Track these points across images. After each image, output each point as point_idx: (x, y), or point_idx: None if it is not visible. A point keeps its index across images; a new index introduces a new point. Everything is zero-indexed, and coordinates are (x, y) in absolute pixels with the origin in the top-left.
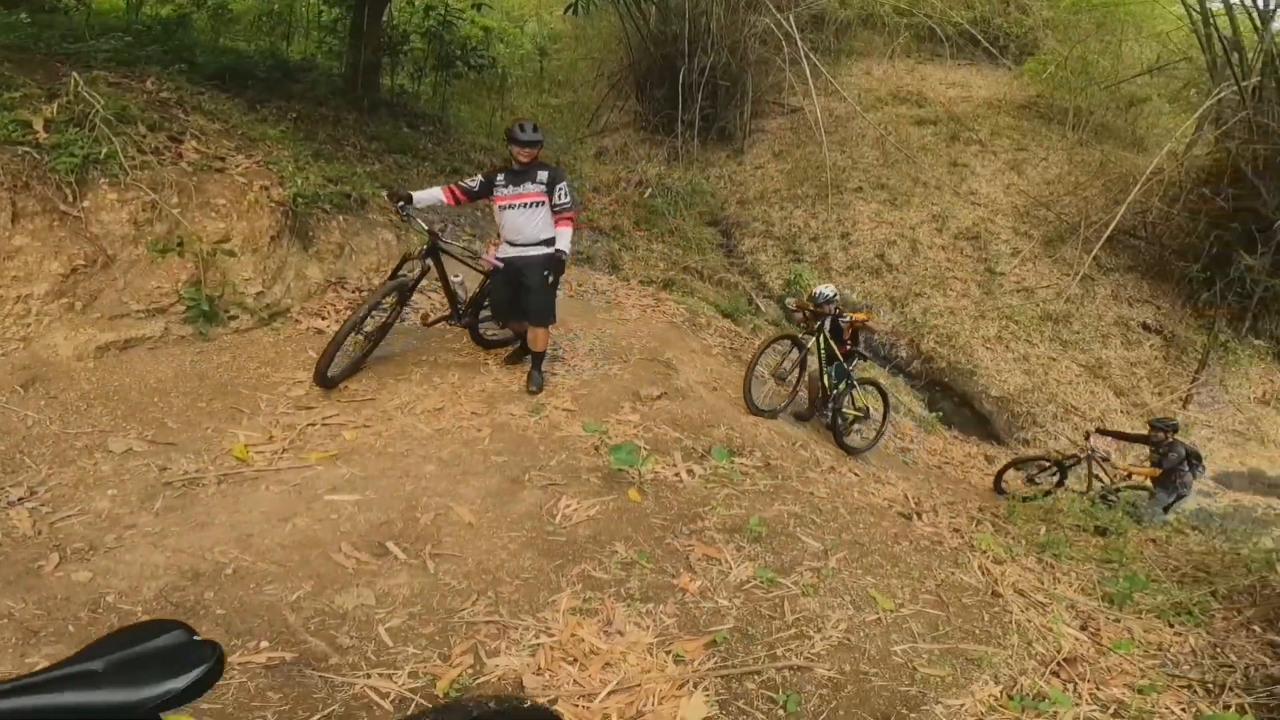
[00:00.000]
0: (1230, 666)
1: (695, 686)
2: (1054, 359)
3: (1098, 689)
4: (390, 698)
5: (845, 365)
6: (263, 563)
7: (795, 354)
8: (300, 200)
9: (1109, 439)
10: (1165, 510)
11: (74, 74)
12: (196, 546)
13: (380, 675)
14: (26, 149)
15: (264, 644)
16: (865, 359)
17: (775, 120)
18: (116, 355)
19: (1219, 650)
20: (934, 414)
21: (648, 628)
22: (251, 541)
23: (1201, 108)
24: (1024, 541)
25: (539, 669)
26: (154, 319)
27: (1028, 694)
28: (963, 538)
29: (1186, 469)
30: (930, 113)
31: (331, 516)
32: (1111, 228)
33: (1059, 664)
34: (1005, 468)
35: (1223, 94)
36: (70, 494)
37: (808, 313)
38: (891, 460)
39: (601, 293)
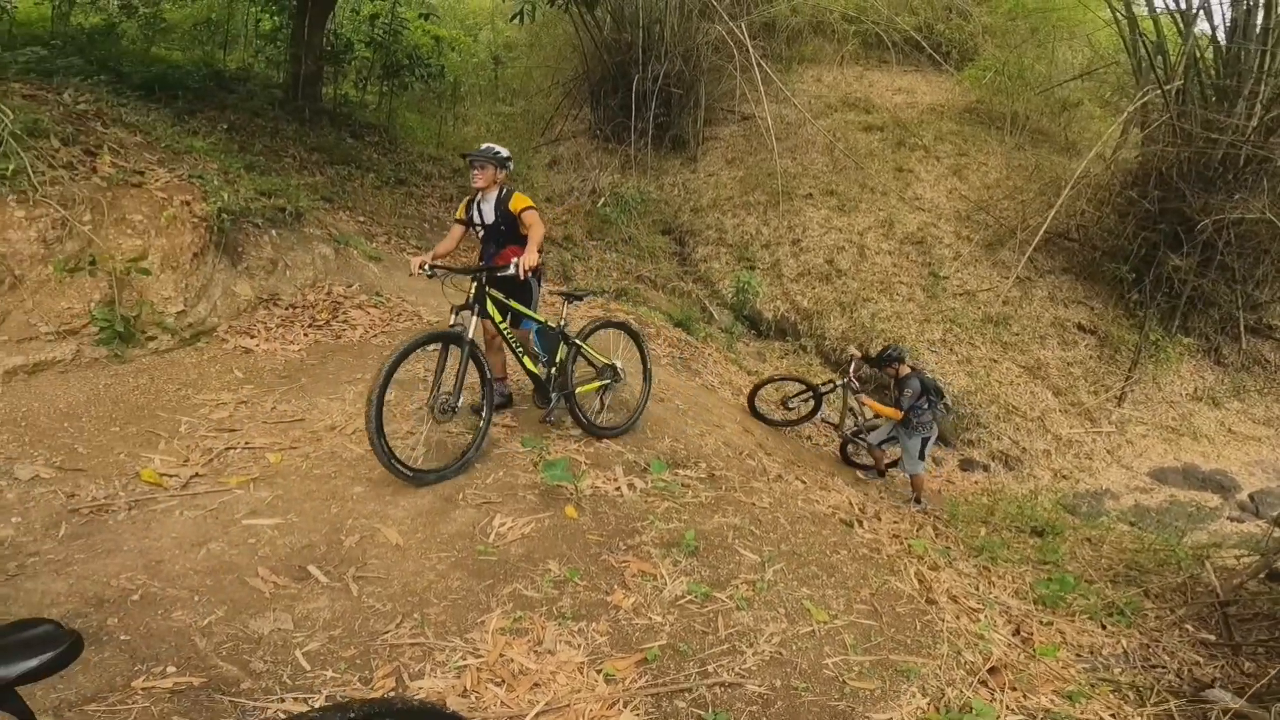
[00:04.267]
0: (1162, 667)
1: (625, 706)
2: (995, 360)
3: (1025, 697)
4: None
5: (546, 322)
6: (172, 589)
7: (454, 354)
8: (226, 215)
9: (865, 366)
10: (921, 456)
11: None
12: (102, 573)
13: (295, 699)
14: None
15: (170, 669)
16: (580, 298)
17: (728, 128)
18: (25, 380)
19: (1151, 651)
20: None
21: (579, 646)
22: (161, 568)
23: (1126, 111)
24: (962, 545)
25: (465, 691)
26: (64, 341)
27: (954, 706)
28: (902, 543)
29: (926, 406)
30: (877, 119)
31: (249, 541)
32: (1043, 230)
33: (987, 672)
34: (757, 388)
35: (1147, 97)
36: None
37: (448, 270)
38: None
39: (550, 305)
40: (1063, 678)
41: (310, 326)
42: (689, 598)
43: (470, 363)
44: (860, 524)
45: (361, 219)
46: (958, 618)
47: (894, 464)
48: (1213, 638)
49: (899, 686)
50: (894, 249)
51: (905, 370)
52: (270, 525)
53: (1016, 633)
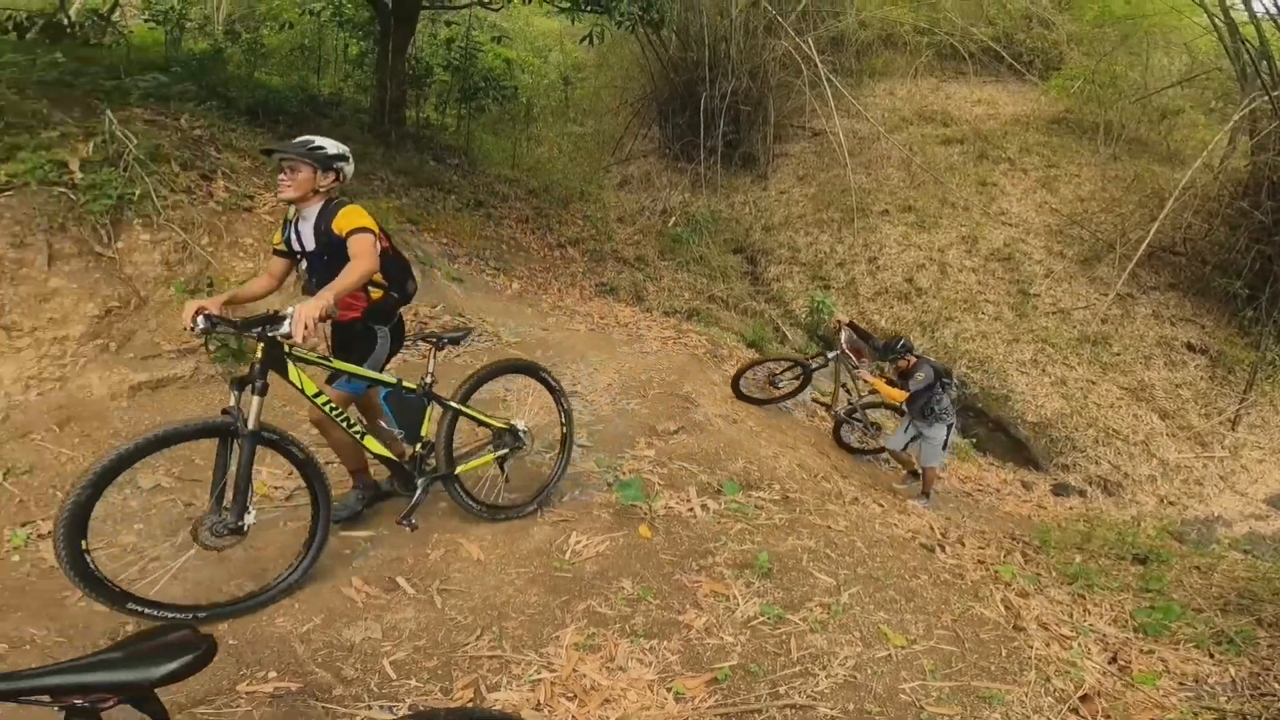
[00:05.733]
0: (1272, 695)
1: None
2: (1093, 382)
3: None
4: None
5: (400, 383)
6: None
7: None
8: None
9: (858, 340)
10: (944, 447)
11: (108, 112)
12: (213, 579)
13: (381, 708)
14: (63, 190)
15: (272, 674)
16: (457, 340)
17: (798, 144)
18: (149, 394)
19: (1261, 679)
20: (967, 440)
21: (650, 664)
22: (266, 575)
23: (1233, 119)
24: (1054, 572)
25: (538, 704)
26: (185, 359)
27: None
28: (987, 569)
29: (940, 391)
30: (956, 131)
31: (344, 551)
32: (1146, 244)
33: (1079, 700)
34: (743, 370)
35: (1254, 104)
36: (98, 528)
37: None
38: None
39: (624, 325)
40: (1162, 705)
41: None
42: (761, 619)
43: (283, 459)
44: (942, 549)
45: (444, 240)
46: (1048, 645)
47: (879, 450)
48: None
49: (981, 713)
50: (978, 266)
51: (913, 361)
52: (363, 537)
53: (1113, 661)
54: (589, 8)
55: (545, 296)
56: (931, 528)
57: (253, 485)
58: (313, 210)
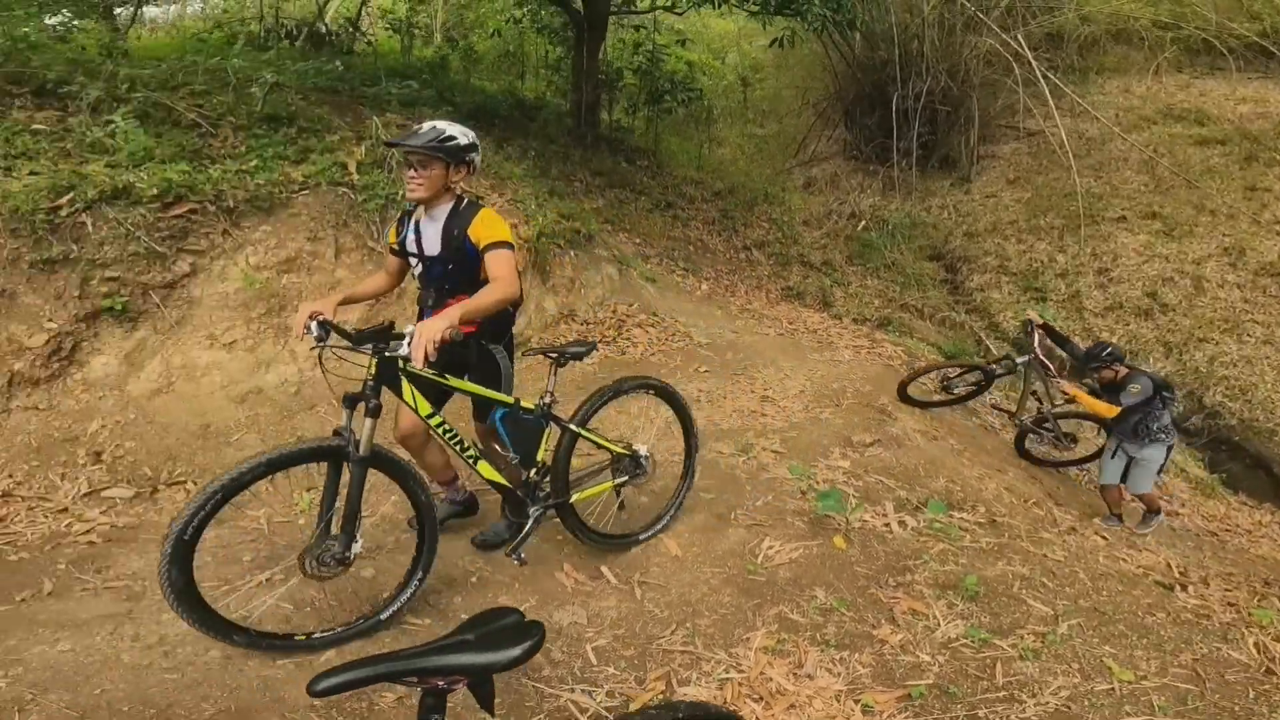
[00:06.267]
0: None
1: None
2: None
3: None
4: (589, 713)
5: (519, 402)
6: (499, 575)
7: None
8: (542, 238)
9: (1053, 345)
10: (1160, 471)
11: (374, 118)
12: (449, 556)
13: (582, 691)
14: (345, 189)
15: None
16: (580, 356)
17: (1008, 145)
18: None
19: None
20: (1215, 476)
21: (839, 675)
22: (493, 556)
23: None
24: None
25: (724, 703)
26: None
27: None
28: (1239, 612)
29: (1160, 406)
30: (1215, 131)
31: (557, 538)
32: None
33: None
34: (914, 376)
35: None
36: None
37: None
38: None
39: (813, 331)
40: None
41: (600, 342)
42: (964, 641)
43: (397, 484)
44: (1183, 588)
45: (637, 241)
46: None
47: (1082, 460)
48: None
49: None
50: (1245, 281)
51: (1123, 371)
52: None
53: None
54: (779, 11)
55: (733, 299)
56: (1169, 565)
57: (361, 512)
58: (442, 210)
